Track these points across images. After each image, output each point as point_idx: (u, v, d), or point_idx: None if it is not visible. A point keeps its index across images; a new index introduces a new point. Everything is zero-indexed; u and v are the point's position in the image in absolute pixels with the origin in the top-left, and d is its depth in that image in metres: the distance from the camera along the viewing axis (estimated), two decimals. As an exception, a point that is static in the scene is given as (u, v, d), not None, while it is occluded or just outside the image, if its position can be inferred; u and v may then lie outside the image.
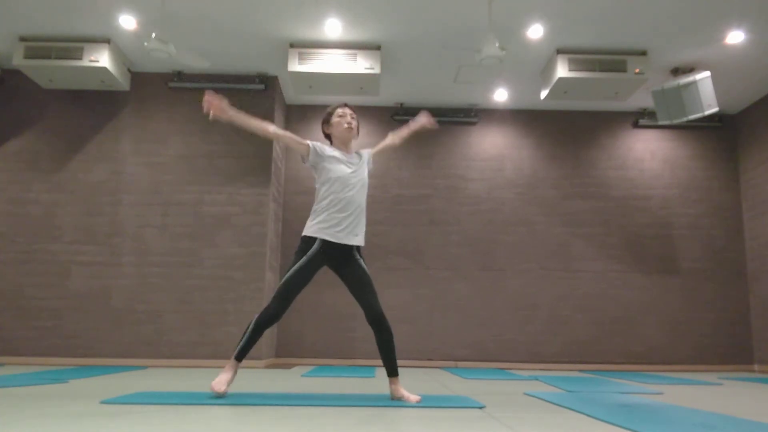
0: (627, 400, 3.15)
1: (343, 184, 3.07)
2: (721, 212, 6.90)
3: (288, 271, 3.02)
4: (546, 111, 7.05)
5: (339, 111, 3.22)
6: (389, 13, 5.07)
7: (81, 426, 2.07)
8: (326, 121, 3.25)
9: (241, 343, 2.99)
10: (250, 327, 2.99)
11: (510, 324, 6.57)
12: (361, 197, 3.13)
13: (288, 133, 3.16)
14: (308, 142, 3.13)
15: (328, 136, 3.28)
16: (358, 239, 3.11)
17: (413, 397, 2.96)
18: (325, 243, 3.02)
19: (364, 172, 3.20)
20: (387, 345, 3.02)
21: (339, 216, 3.04)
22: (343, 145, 3.20)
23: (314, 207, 3.11)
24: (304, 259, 3.01)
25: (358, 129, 3.28)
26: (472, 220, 6.79)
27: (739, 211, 6.91)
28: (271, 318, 2.99)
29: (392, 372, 3.03)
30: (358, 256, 3.13)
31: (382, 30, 5.34)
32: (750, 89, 6.42)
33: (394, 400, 2.96)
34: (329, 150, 3.14)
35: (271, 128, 3.09)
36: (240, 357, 2.99)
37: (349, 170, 3.11)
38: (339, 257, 3.08)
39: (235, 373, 2.99)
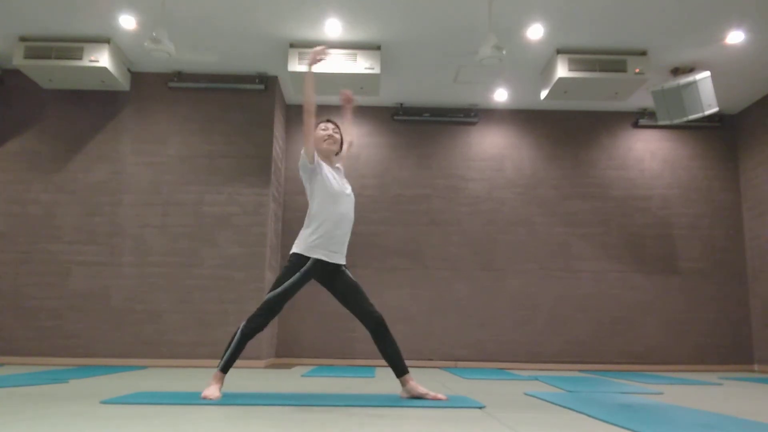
0: (627, 400, 3.15)
1: (338, 199, 3.08)
2: (721, 212, 6.90)
3: (277, 285, 3.01)
4: (546, 111, 7.05)
5: (321, 125, 3.23)
6: (389, 13, 5.07)
7: (81, 426, 2.07)
8: None
9: (226, 356, 2.98)
10: (236, 338, 2.97)
11: (510, 324, 6.57)
12: (352, 213, 3.16)
13: (313, 130, 3.09)
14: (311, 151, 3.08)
15: None
16: (344, 257, 3.14)
17: (440, 396, 2.97)
18: (319, 262, 3.02)
19: (350, 187, 3.23)
20: (393, 344, 3.03)
21: (335, 232, 3.05)
22: (327, 159, 3.19)
23: (308, 222, 3.09)
24: (297, 276, 3.00)
25: (341, 144, 3.29)
26: (472, 220, 6.79)
27: (739, 211, 6.91)
28: (256, 330, 3.00)
29: (404, 369, 3.03)
30: (344, 268, 3.14)
31: (382, 30, 5.34)
32: (750, 89, 6.42)
33: (414, 398, 2.95)
34: (323, 163, 3.15)
35: (313, 108, 3.05)
36: (226, 369, 2.98)
37: (340, 186, 3.13)
38: (329, 273, 3.10)
39: (221, 384, 2.98)
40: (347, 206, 3.12)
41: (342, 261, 3.12)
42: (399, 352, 3.04)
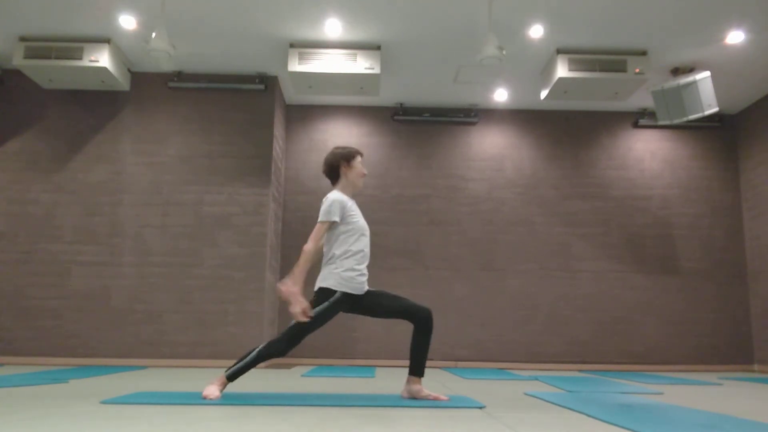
0: (627, 400, 3.15)
1: (365, 235, 3.12)
2: (721, 212, 6.90)
3: None
4: (546, 111, 7.05)
5: (360, 159, 3.26)
6: (389, 13, 5.07)
7: (81, 426, 2.07)
8: (347, 161, 3.21)
9: (237, 366, 2.95)
10: (252, 355, 2.95)
11: (510, 324, 6.57)
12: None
13: (317, 237, 3.01)
14: (331, 219, 3.01)
15: (335, 172, 3.22)
16: (367, 284, 3.14)
17: (441, 396, 2.99)
18: (348, 295, 3.02)
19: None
20: (429, 343, 3.04)
21: (363, 266, 3.08)
22: (351, 191, 3.21)
23: (336, 255, 3.03)
24: (328, 309, 2.98)
25: None
26: (472, 220, 6.79)
27: (739, 211, 6.91)
28: (274, 355, 2.98)
29: (422, 372, 3.04)
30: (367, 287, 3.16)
31: (382, 30, 5.34)
32: (750, 89, 6.42)
33: (417, 399, 2.96)
34: (348, 201, 3.12)
35: (307, 248, 2.97)
36: (232, 379, 2.97)
37: (364, 221, 3.16)
38: (356, 301, 3.08)
39: (223, 387, 2.97)
40: (367, 240, 3.15)
41: (366, 288, 3.11)
42: (427, 353, 3.06)
